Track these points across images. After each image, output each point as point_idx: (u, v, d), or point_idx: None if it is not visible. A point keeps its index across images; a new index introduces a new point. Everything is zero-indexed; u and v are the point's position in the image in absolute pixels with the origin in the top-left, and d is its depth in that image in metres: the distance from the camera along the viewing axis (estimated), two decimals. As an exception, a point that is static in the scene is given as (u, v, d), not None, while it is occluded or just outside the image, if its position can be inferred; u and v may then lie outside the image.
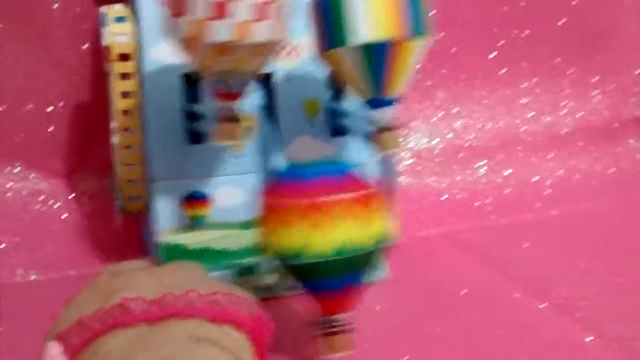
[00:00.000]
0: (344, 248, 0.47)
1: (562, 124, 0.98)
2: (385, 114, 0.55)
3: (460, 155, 0.93)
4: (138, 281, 0.39)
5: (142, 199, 0.68)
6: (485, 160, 0.94)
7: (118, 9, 0.64)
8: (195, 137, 0.63)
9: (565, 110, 0.98)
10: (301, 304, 0.63)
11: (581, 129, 0.98)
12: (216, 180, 0.64)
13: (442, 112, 0.93)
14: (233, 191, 0.65)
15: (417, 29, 0.52)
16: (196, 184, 0.64)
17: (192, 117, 0.63)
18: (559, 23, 0.94)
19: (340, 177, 0.48)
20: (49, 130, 0.85)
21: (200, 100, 0.63)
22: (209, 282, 0.40)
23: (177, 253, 0.63)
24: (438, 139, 0.94)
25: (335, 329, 0.50)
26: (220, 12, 0.46)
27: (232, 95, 0.51)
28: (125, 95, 0.64)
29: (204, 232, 0.64)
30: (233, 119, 0.52)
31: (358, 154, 0.66)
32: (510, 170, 0.95)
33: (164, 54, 0.62)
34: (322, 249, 0.47)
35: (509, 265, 0.71)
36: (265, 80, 0.65)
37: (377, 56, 0.52)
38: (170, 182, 0.63)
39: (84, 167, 0.87)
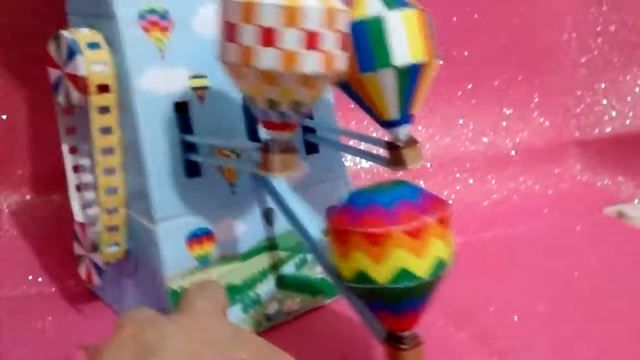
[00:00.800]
0: (400, 278, 0.47)
1: (502, 145, 1.01)
2: (406, 131, 0.57)
3: (400, 175, 0.96)
4: (169, 338, 0.38)
5: (122, 247, 0.61)
6: (422, 181, 0.95)
7: (87, 33, 0.56)
8: (192, 169, 0.59)
9: (505, 132, 1.01)
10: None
11: (521, 150, 1.01)
12: (215, 213, 0.60)
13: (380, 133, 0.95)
14: (232, 223, 0.62)
15: (436, 51, 0.56)
16: (198, 220, 0.59)
17: (188, 147, 0.58)
18: (499, 43, 0.97)
19: (392, 206, 0.48)
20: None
21: (194, 129, 0.59)
22: (242, 336, 0.40)
23: (186, 298, 0.58)
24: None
25: (402, 346, 0.52)
26: (268, 39, 0.44)
27: (287, 125, 0.49)
28: (105, 131, 0.57)
29: (210, 270, 0.60)
30: (289, 149, 0.50)
31: (332, 168, 0.68)
32: (446, 192, 0.96)
33: (154, 82, 0.56)
34: (379, 278, 0.47)
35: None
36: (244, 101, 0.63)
37: (412, 77, 0.54)
38: (173, 222, 0.57)
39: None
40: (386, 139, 0.57)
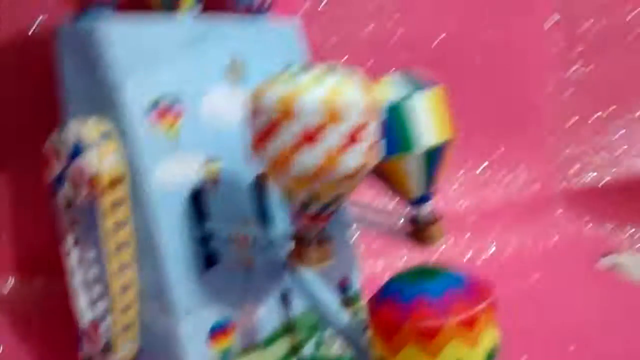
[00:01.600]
0: None
1: (489, 201, 1.01)
2: (428, 209, 0.57)
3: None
4: None
5: (135, 346, 0.57)
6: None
7: (95, 126, 0.53)
8: (210, 259, 0.56)
9: (492, 187, 1.01)
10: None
11: (508, 206, 1.02)
12: (234, 301, 0.57)
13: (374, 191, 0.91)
14: (251, 309, 0.59)
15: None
16: (219, 311, 0.56)
17: (204, 236, 0.56)
18: (482, 100, 0.98)
19: (444, 296, 0.46)
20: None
21: (210, 218, 0.56)
22: None
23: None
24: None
25: None
26: (310, 138, 0.43)
27: (323, 218, 0.48)
28: (118, 226, 0.53)
29: (232, 364, 0.57)
30: (325, 241, 0.48)
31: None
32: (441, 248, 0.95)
33: (167, 172, 0.54)
34: None
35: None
36: (256, 182, 0.61)
37: (437, 157, 0.54)
38: (194, 318, 0.54)
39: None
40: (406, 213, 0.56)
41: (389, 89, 0.52)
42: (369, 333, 0.51)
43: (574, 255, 0.97)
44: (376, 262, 0.94)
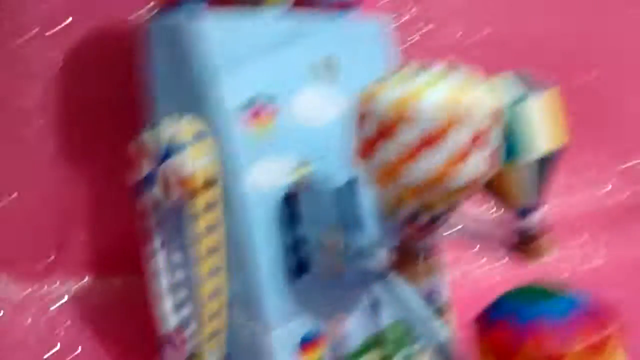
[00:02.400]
0: None
1: (577, 209, 0.97)
2: (536, 219, 0.52)
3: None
4: None
5: (222, 354, 0.55)
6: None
7: (189, 126, 0.51)
8: (303, 266, 0.53)
9: (580, 195, 0.97)
10: None
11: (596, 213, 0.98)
12: (324, 311, 0.55)
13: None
14: (341, 319, 0.56)
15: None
16: (309, 322, 0.53)
17: (297, 242, 0.53)
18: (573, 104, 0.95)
19: (567, 316, 0.42)
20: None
21: (302, 223, 0.53)
22: None
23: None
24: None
25: None
26: (427, 145, 0.39)
27: (432, 228, 0.44)
28: (211, 229, 0.51)
29: (323, 377, 0.54)
30: (430, 255, 0.45)
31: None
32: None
33: (260, 174, 0.51)
34: None
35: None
36: (352, 187, 0.58)
37: (549, 163, 0.50)
38: (285, 328, 0.52)
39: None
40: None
41: (503, 91, 0.48)
42: (475, 354, 0.47)
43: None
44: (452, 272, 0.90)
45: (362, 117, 0.42)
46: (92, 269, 0.76)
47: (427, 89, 0.39)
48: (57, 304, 0.74)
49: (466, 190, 0.41)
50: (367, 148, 0.42)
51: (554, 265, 0.91)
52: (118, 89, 0.70)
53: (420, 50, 0.84)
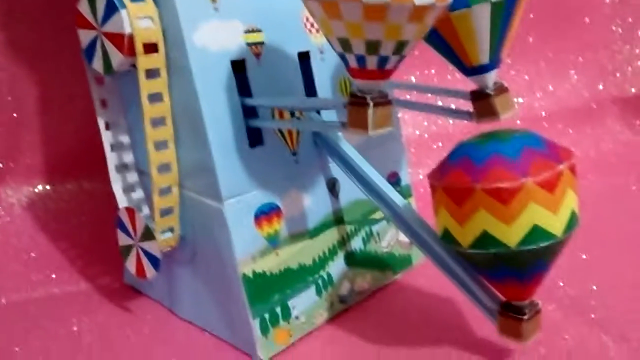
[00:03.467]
0: (533, 238, 0.41)
1: (537, 106, 0.96)
2: (495, 77, 0.51)
3: (437, 145, 0.90)
4: None
5: (176, 232, 0.53)
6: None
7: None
8: (255, 137, 0.52)
9: (541, 93, 0.96)
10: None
11: (557, 111, 0.97)
12: (281, 186, 0.53)
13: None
14: (298, 196, 0.55)
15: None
16: (265, 194, 0.52)
17: (249, 112, 0.51)
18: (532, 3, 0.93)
19: (519, 156, 0.41)
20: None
21: (253, 90, 0.51)
22: None
23: (259, 283, 0.51)
24: (417, 131, 0.89)
25: (522, 316, 0.46)
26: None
27: (384, 72, 0.42)
28: (155, 98, 0.49)
29: (280, 251, 0.53)
30: (386, 102, 0.43)
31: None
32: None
33: (208, 38, 0.49)
34: (509, 239, 0.41)
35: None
36: (303, 60, 0.56)
37: (506, 12, 0.48)
38: (240, 199, 0.50)
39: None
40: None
41: None
42: (433, 205, 0.46)
43: (627, 163, 0.91)
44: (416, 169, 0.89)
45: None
46: (44, 174, 0.73)
47: None
48: (11, 211, 0.72)
49: (414, 24, 0.39)
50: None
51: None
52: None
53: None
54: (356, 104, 0.43)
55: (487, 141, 0.43)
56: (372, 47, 0.40)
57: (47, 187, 0.73)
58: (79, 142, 0.71)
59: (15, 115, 0.70)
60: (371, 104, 0.42)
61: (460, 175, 0.42)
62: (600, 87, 1.01)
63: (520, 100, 0.97)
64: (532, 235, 0.41)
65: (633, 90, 1.02)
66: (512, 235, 0.41)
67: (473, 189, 0.41)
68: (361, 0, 0.37)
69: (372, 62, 0.41)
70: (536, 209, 0.40)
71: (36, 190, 0.73)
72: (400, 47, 0.41)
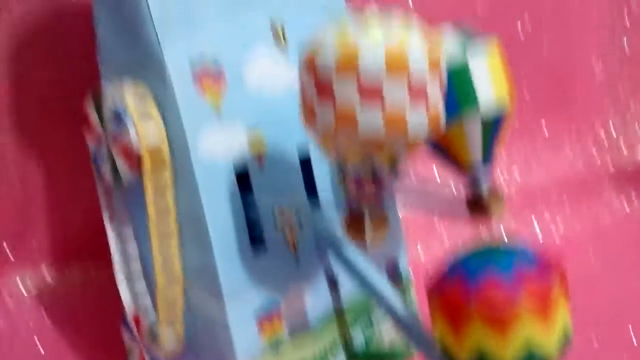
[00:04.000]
0: (528, 357, 0.42)
1: (535, 181, 0.98)
2: (487, 179, 0.53)
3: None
4: None
5: (180, 336, 0.54)
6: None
7: (132, 88, 0.50)
8: (257, 239, 0.53)
9: (537, 167, 0.97)
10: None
11: (555, 185, 0.98)
12: (282, 287, 0.54)
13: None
14: (299, 295, 0.56)
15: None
16: (266, 296, 0.53)
17: (251, 215, 0.53)
18: (529, 79, 0.94)
19: (512, 275, 0.42)
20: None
21: (255, 194, 0.53)
22: None
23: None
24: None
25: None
26: (370, 95, 0.39)
27: (379, 184, 0.44)
28: (160, 204, 0.51)
29: (282, 349, 0.54)
30: (382, 214, 0.45)
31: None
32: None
33: (211, 144, 0.51)
34: (504, 357, 0.42)
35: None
36: (304, 162, 0.58)
37: (498, 119, 0.50)
38: (241, 301, 0.51)
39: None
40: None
41: (442, 44, 0.48)
42: (430, 315, 0.47)
43: (625, 237, 0.92)
44: (415, 247, 0.91)
45: (306, 71, 0.42)
46: (50, 258, 0.75)
47: (364, 39, 0.39)
48: (18, 296, 0.73)
49: (408, 146, 0.42)
50: (309, 114, 0.42)
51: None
52: (70, 69, 0.69)
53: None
54: (353, 216, 0.45)
55: (481, 256, 0.44)
56: (371, 161, 0.42)
57: (53, 272, 0.74)
58: (86, 224, 0.73)
59: (23, 200, 0.72)
60: (368, 220, 0.44)
61: (455, 293, 0.43)
62: (596, 160, 1.02)
63: (517, 174, 0.99)
64: (527, 355, 0.42)
65: (629, 162, 1.03)
66: (507, 353, 0.41)
67: (467, 302, 0.42)
68: (357, 129, 0.39)
69: (367, 180, 0.43)
70: (529, 322, 0.41)
71: (42, 275, 0.74)
72: (393, 166, 0.43)
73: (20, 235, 0.73)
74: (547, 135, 1.00)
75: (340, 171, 0.44)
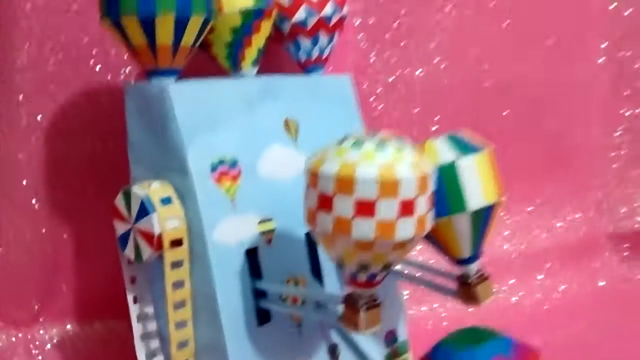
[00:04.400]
0: None
1: (536, 244, 1.01)
2: (476, 267, 0.58)
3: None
4: None
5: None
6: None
7: (159, 188, 0.56)
8: (264, 317, 0.58)
9: (538, 230, 1.02)
10: None
11: (555, 248, 1.02)
12: (285, 358, 0.59)
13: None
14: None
15: (502, 186, 0.57)
16: (271, 368, 0.58)
17: (258, 294, 0.58)
18: (530, 143, 0.99)
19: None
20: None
21: (263, 273, 0.58)
22: None
23: None
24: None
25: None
26: (364, 211, 0.45)
27: (373, 283, 0.49)
28: (178, 285, 0.56)
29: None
30: (375, 305, 0.50)
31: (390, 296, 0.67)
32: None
33: (226, 232, 0.56)
34: None
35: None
36: (310, 240, 0.63)
37: (484, 218, 0.55)
38: (248, 374, 0.56)
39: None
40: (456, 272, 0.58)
41: (439, 152, 0.54)
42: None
43: (623, 300, 0.95)
44: (420, 308, 0.95)
45: (310, 184, 0.47)
46: (75, 315, 0.80)
47: (362, 162, 0.44)
48: (43, 350, 0.78)
49: (399, 251, 0.47)
50: (311, 217, 0.47)
51: (512, 299, 0.96)
52: (101, 146, 0.75)
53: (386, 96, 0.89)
54: (350, 306, 0.50)
55: (463, 345, 0.49)
56: (363, 267, 0.47)
57: (77, 326, 0.80)
58: (108, 285, 0.78)
59: (53, 261, 0.78)
60: (362, 308, 0.49)
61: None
62: (596, 223, 1.06)
63: (519, 237, 1.03)
64: None
65: (628, 227, 1.07)
66: None
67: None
68: (352, 237, 0.45)
69: (362, 277, 0.48)
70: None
71: (66, 329, 0.80)
72: (386, 267, 0.48)
73: (48, 293, 0.78)
74: (547, 197, 1.04)
75: (339, 267, 0.49)
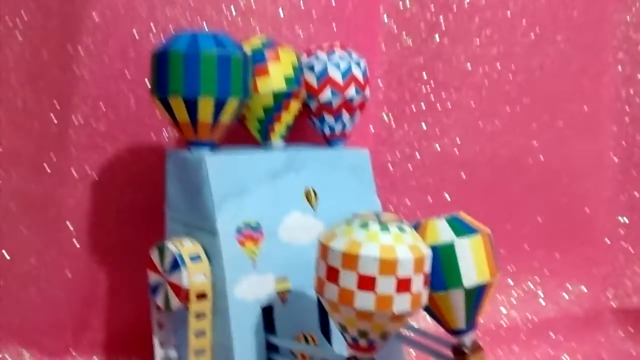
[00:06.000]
0: None
1: (541, 315, 1.05)
2: (471, 338, 0.63)
3: None
4: None
5: None
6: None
7: (190, 247, 0.63)
8: (275, 368, 0.64)
9: (545, 302, 1.06)
10: None
11: (559, 320, 1.06)
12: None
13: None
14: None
15: (498, 266, 0.62)
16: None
17: (271, 347, 0.64)
18: (536, 220, 1.05)
19: None
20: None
21: (276, 329, 0.65)
22: None
23: None
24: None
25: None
26: (366, 285, 0.51)
27: (372, 348, 0.55)
28: (199, 334, 0.63)
29: None
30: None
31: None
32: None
33: (246, 290, 0.63)
34: None
35: None
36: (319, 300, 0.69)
37: (478, 295, 0.60)
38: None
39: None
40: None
41: (439, 231, 0.60)
42: None
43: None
44: None
45: (321, 257, 0.54)
46: (103, 349, 0.87)
47: (366, 242, 0.51)
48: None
49: (396, 322, 0.53)
50: (320, 285, 0.54)
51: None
52: (141, 197, 0.83)
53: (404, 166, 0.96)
54: (351, 367, 0.56)
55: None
56: (363, 334, 0.54)
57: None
58: (135, 326, 0.85)
59: (89, 299, 0.85)
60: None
61: None
62: (602, 298, 1.10)
63: (525, 306, 1.07)
64: None
65: (634, 302, 1.11)
66: None
67: None
68: (354, 307, 0.51)
69: (363, 342, 0.54)
70: None
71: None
72: (384, 336, 0.54)
73: (81, 327, 0.86)
74: (553, 270, 1.09)
75: (342, 332, 0.55)
